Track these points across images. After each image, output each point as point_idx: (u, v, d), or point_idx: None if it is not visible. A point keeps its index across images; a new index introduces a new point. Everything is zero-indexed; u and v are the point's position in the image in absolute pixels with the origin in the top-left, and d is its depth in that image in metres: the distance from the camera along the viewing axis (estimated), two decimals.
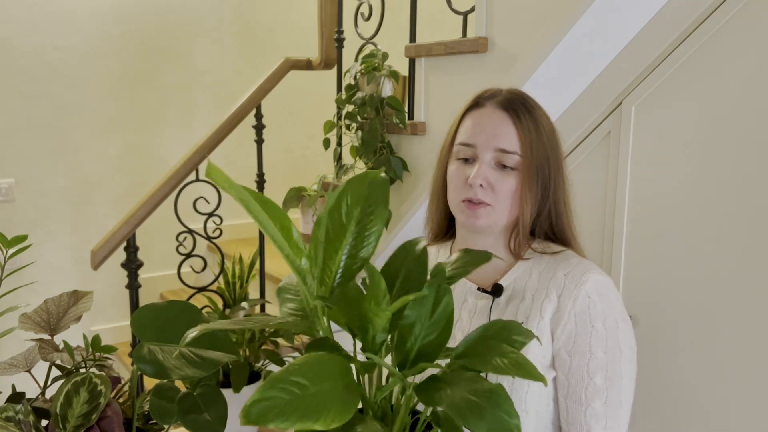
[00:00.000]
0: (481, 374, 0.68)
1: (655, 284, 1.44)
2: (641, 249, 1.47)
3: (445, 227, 1.15)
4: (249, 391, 1.82)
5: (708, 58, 1.32)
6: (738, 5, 1.26)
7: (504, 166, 1.00)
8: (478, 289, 1.05)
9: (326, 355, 0.64)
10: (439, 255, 1.16)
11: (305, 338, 2.41)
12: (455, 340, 1.04)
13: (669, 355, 1.42)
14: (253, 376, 1.94)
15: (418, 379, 0.72)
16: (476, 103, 1.06)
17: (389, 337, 0.75)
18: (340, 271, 0.73)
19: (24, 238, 1.03)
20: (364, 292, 0.72)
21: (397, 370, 0.72)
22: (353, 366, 0.70)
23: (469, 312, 1.06)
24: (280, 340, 2.15)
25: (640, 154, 1.45)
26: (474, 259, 0.84)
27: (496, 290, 1.03)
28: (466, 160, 1.03)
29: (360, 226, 0.74)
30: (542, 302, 1.00)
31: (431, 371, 0.72)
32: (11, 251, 1.03)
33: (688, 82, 1.35)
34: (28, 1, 2.86)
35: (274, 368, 2.00)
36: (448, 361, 0.74)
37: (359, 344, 0.73)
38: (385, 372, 0.75)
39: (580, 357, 0.97)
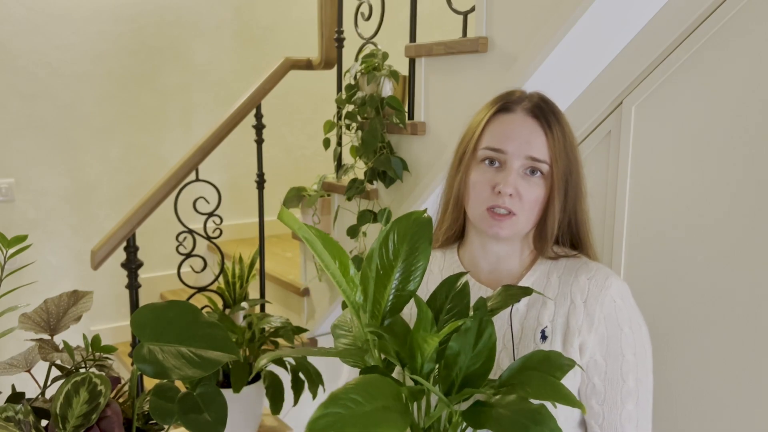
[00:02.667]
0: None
1: (656, 284, 1.44)
2: (641, 249, 1.47)
3: (457, 232, 1.13)
4: (249, 391, 1.82)
5: (708, 58, 1.32)
6: (739, 4, 1.26)
7: (531, 174, 0.99)
8: None
9: (379, 377, 0.70)
10: (445, 259, 1.14)
11: (305, 338, 2.42)
12: None
13: (669, 355, 1.42)
14: (253, 377, 1.93)
15: (464, 407, 0.75)
16: (504, 108, 1.03)
17: (436, 368, 0.80)
18: (389, 305, 0.80)
19: (24, 238, 1.03)
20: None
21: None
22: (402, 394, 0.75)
23: None
24: (280, 341, 2.15)
25: (640, 153, 1.45)
26: (516, 294, 0.89)
27: None
28: (491, 163, 1.00)
29: (407, 263, 0.80)
30: (567, 309, 1.00)
31: (475, 398, 0.75)
32: (11, 251, 1.03)
33: (689, 82, 1.35)
34: (28, 1, 2.86)
35: (274, 368, 2.00)
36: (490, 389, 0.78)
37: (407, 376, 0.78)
38: (433, 401, 0.79)
39: (614, 360, 0.98)
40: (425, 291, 1.13)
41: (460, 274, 0.90)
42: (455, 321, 0.80)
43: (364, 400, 0.65)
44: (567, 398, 0.71)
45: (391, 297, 0.79)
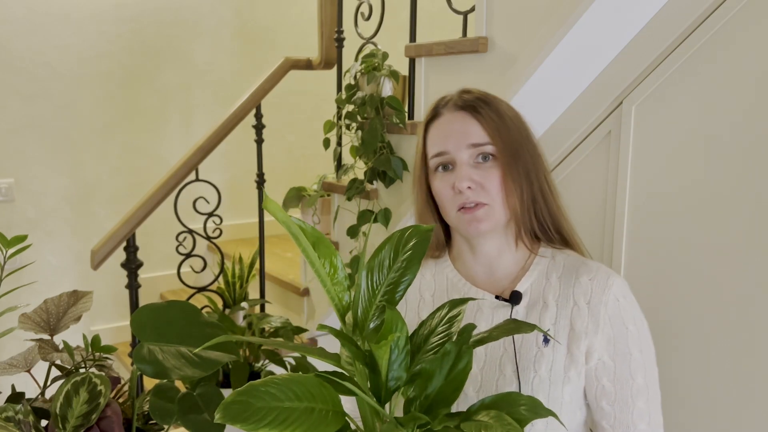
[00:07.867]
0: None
1: (655, 285, 1.44)
2: (641, 249, 1.47)
3: (442, 243, 1.13)
4: None
5: (708, 58, 1.32)
6: (738, 5, 1.26)
7: (483, 160, 1.00)
8: (496, 297, 1.03)
9: (313, 379, 0.67)
10: (436, 271, 1.12)
11: (305, 339, 2.42)
12: (475, 355, 1.02)
13: (668, 355, 1.42)
14: (253, 376, 1.93)
15: None
16: (434, 115, 1.06)
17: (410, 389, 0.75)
18: (376, 314, 0.77)
19: (24, 238, 1.03)
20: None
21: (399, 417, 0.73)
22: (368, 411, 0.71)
23: (486, 322, 1.02)
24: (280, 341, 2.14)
25: (640, 154, 1.45)
26: (520, 327, 0.80)
27: (515, 297, 1.01)
28: (445, 168, 1.02)
29: (397, 275, 0.78)
30: (571, 311, 0.99)
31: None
32: (11, 251, 1.03)
33: (689, 82, 1.35)
34: (28, 1, 2.86)
35: (274, 368, 1.99)
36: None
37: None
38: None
39: (622, 359, 0.98)
40: (418, 297, 1.12)
41: (467, 299, 0.85)
42: (434, 353, 0.76)
43: (283, 396, 0.63)
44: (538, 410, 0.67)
45: (376, 308, 0.77)
